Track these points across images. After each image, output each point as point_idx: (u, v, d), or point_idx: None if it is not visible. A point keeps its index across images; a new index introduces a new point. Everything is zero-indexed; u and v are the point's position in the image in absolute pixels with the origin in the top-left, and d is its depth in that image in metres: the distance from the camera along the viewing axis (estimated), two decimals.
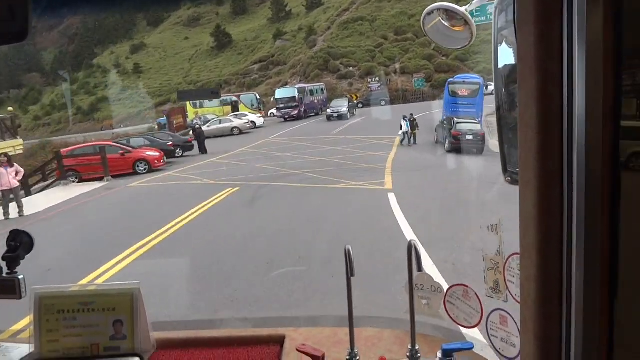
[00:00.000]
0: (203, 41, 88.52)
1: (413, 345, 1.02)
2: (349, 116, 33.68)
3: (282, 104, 38.63)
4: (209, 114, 38.92)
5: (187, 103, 42.82)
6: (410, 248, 0.98)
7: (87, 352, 1.15)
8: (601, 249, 0.59)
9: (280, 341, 1.22)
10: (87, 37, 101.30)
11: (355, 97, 50.22)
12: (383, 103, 47.47)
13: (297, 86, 40.73)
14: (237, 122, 32.78)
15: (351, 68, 55.72)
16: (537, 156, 0.62)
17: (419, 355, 1.01)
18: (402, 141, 20.65)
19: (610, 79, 0.55)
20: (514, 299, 0.96)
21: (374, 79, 51.75)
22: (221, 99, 43.42)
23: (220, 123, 32.76)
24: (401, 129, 20.67)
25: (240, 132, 32.45)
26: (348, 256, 0.97)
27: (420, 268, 0.98)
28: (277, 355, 1.16)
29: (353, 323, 1.03)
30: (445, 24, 1.02)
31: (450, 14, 1.01)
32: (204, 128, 33.05)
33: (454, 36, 1.05)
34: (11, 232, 1.20)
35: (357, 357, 1.04)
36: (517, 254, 0.91)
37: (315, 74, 55.78)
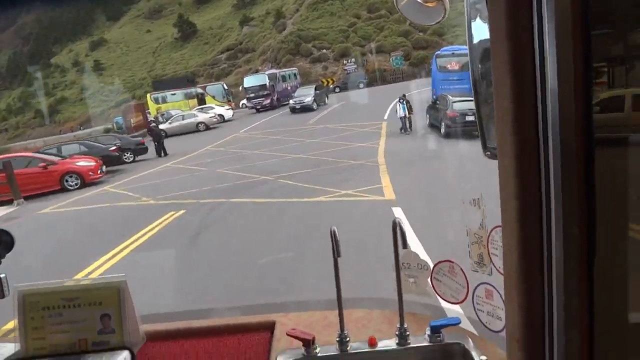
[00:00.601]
0: (167, 33, 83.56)
1: (402, 324, 1.01)
2: (314, 106, 29.20)
3: (252, 93, 34.90)
4: (173, 109, 35.03)
5: (148, 98, 38.69)
6: (395, 226, 0.95)
7: (75, 348, 1.10)
8: (579, 216, 0.59)
9: (270, 327, 1.19)
10: (43, 35, 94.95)
11: (331, 82, 46.76)
12: (361, 85, 44.10)
13: (267, 72, 36.86)
14: (202, 117, 29.00)
15: (324, 50, 52.06)
16: (513, 125, 0.62)
17: (407, 333, 1.01)
18: (401, 129, 17.35)
19: (580, 46, 0.56)
20: (498, 271, 0.94)
21: (349, 61, 48.23)
22: (186, 91, 39.41)
23: (183, 119, 28.91)
24: (397, 113, 17.29)
25: (207, 128, 28.72)
26: (334, 237, 0.94)
27: (405, 245, 0.94)
28: (267, 341, 1.14)
29: (342, 305, 1.01)
30: (419, 0, 0.98)
31: None
32: (165, 126, 29.25)
33: (427, 12, 1.01)
34: None
35: (347, 339, 1.03)
36: (499, 226, 0.88)
37: (286, 59, 51.99)
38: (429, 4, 0.98)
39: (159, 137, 19.56)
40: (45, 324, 1.12)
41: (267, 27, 62.66)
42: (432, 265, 1.14)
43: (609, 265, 0.62)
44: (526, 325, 0.67)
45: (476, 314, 1.04)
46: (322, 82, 47.37)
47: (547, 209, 0.62)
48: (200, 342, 1.19)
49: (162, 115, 32.55)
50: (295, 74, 40.40)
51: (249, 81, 35.43)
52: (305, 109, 28.88)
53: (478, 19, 0.89)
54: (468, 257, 1.04)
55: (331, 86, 45.85)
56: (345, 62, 48.39)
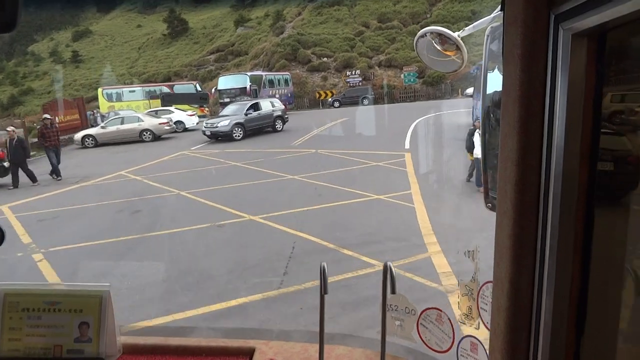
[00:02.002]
0: (157, 29, 76.10)
1: None
2: (237, 135, 18.93)
3: (227, 97, 27.10)
4: (129, 109, 27.00)
5: (99, 94, 30.58)
6: (386, 270, 0.94)
7: (49, 354, 1.08)
8: (571, 285, 0.59)
9: (249, 353, 1.17)
10: (26, 22, 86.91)
11: (329, 94, 39.08)
12: (366, 102, 36.36)
13: (250, 73, 28.87)
14: (149, 123, 20.89)
15: (325, 59, 44.49)
16: (515, 188, 0.62)
17: None
18: (469, 177, 9.37)
19: (589, 118, 0.57)
20: (485, 326, 0.93)
21: (353, 72, 40.62)
22: (149, 89, 31.36)
23: (122, 123, 20.79)
24: (471, 151, 9.24)
25: (155, 137, 20.67)
26: (323, 274, 0.93)
27: (393, 290, 0.93)
28: None
29: (324, 340, 1.00)
30: (438, 47, 0.97)
31: (442, 38, 0.97)
32: (95, 131, 21.07)
33: (445, 60, 1.00)
34: None
35: None
36: (490, 282, 0.88)
37: (281, 64, 44.32)
38: (448, 53, 0.96)
39: (18, 155, 11.37)
40: (23, 325, 1.09)
41: (264, 30, 55.24)
42: (419, 311, 1.09)
43: (598, 334, 0.60)
44: None
45: None
46: (318, 94, 39.77)
47: (539, 272, 0.61)
48: None
49: (103, 116, 24.46)
50: (287, 80, 32.61)
51: (225, 82, 27.59)
52: (220, 135, 18.80)
53: (495, 70, 0.89)
54: (457, 309, 0.98)
55: (329, 99, 38.19)
56: (348, 73, 40.77)
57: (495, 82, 0.89)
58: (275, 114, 21.23)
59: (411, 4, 49.27)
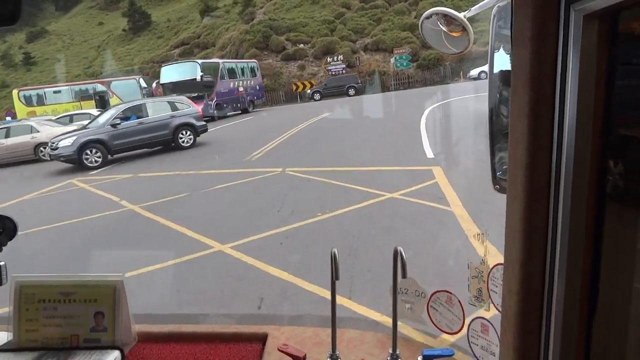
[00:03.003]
0: (119, 26, 69.08)
1: (394, 350, 0.99)
2: (92, 161, 11.80)
3: (173, 93, 20.71)
4: (54, 114, 20.62)
5: (15, 97, 24.03)
6: (396, 254, 0.93)
7: (66, 343, 1.09)
8: (583, 266, 0.60)
9: (262, 339, 1.18)
10: None
11: (308, 85, 32.94)
12: (352, 92, 30.27)
13: (201, 61, 22.28)
14: (47, 133, 14.53)
15: (302, 45, 38.27)
16: (526, 172, 0.62)
17: (399, 359, 0.99)
18: None
19: (601, 101, 0.57)
20: (496, 308, 0.94)
21: (335, 59, 34.49)
22: (80, 87, 24.88)
23: (7, 135, 14.45)
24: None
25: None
26: (334, 259, 0.92)
27: (404, 275, 0.92)
28: (258, 353, 1.12)
29: (335, 324, 1.00)
30: (443, 28, 0.98)
31: (448, 19, 0.98)
32: None
33: (451, 41, 1.01)
34: None
35: (339, 359, 1.01)
36: (501, 264, 0.87)
37: (251, 53, 38.02)
38: (454, 34, 0.96)
39: None
40: (39, 316, 1.11)
41: (233, 19, 48.83)
42: (429, 294, 1.09)
43: (609, 318, 0.61)
44: None
45: (470, 347, 1.01)
46: (295, 85, 33.58)
47: (551, 254, 0.61)
48: (191, 347, 1.15)
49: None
50: (253, 69, 26.22)
51: (169, 73, 21.24)
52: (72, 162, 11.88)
53: (501, 50, 0.87)
54: (466, 290, 0.99)
55: (308, 91, 32.00)
56: (329, 60, 34.62)
57: (501, 61, 0.87)
58: (178, 121, 13.09)
59: None
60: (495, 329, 0.97)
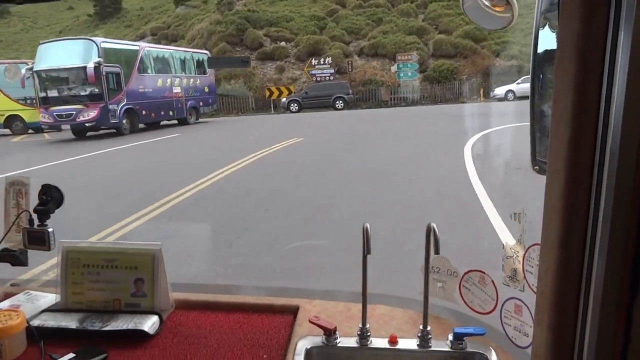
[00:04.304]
0: (89, 11, 61.19)
1: (425, 326, 0.99)
2: None
3: (52, 88, 12.96)
4: None
5: None
6: (429, 230, 0.93)
7: (109, 306, 1.15)
8: (625, 247, 0.57)
9: (294, 311, 1.19)
10: None
11: (285, 92, 25.52)
12: (340, 104, 22.97)
13: (101, 41, 13.84)
14: None
15: (284, 43, 30.88)
16: (568, 147, 0.59)
17: (429, 336, 0.99)
18: None
19: None
20: (531, 288, 0.92)
21: (322, 61, 27.14)
22: None
23: None
24: None
25: None
26: (365, 234, 0.92)
27: (437, 251, 0.93)
28: (290, 324, 1.13)
29: (366, 300, 1.00)
30: (486, 2, 0.96)
31: None
32: None
33: (494, 16, 0.99)
34: (43, 186, 1.20)
35: (369, 334, 1.01)
36: (537, 244, 0.87)
37: (220, 48, 30.54)
38: (497, 8, 0.95)
39: None
40: (84, 280, 1.16)
41: (210, 10, 41.41)
42: (462, 274, 1.09)
43: None
44: (554, 347, 0.65)
45: (503, 327, 1.00)
46: (268, 91, 26.09)
47: (592, 235, 0.59)
48: (225, 316, 1.18)
49: None
50: (201, 63, 18.20)
51: (47, 55, 13.10)
52: None
53: (547, 27, 0.87)
54: (500, 270, 0.99)
55: (283, 99, 24.56)
56: (314, 62, 27.24)
57: (546, 39, 0.85)
58: None
59: None
60: (529, 310, 0.94)
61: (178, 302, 1.22)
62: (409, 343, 1.02)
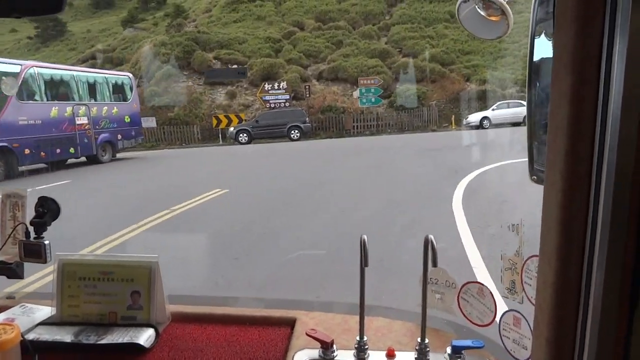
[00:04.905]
0: (32, 33, 56.91)
1: (423, 339, 0.97)
2: None
3: None
4: None
5: None
6: (427, 243, 0.91)
7: (104, 319, 1.14)
8: (624, 258, 0.57)
9: (291, 324, 1.17)
10: None
11: (235, 121, 22.44)
12: (296, 134, 20.10)
13: None
14: None
15: (235, 66, 27.91)
16: (566, 159, 0.59)
17: (428, 349, 0.97)
18: None
19: None
20: (530, 301, 0.91)
21: (276, 86, 24.29)
22: None
23: None
24: None
25: None
26: (363, 246, 0.91)
27: (435, 264, 0.91)
28: (287, 337, 1.12)
29: (364, 312, 0.99)
30: (481, 12, 0.96)
31: (486, 3, 0.96)
32: None
33: (490, 25, 0.99)
34: (39, 198, 1.20)
35: (366, 347, 0.99)
36: (536, 256, 0.86)
37: (165, 72, 27.38)
38: (492, 18, 0.95)
39: None
40: (80, 293, 1.15)
41: (160, 32, 38.25)
42: (460, 285, 1.08)
43: None
44: None
45: (501, 339, 0.98)
46: (216, 120, 22.91)
47: (590, 246, 0.58)
48: (222, 329, 1.16)
49: None
50: (121, 87, 14.60)
51: None
52: None
53: (543, 35, 0.87)
54: (499, 282, 0.98)
55: (231, 129, 21.49)
56: (267, 87, 24.33)
57: (542, 48, 0.86)
58: None
59: (363, 1, 34.37)
60: (528, 323, 0.93)
61: (174, 315, 1.21)
62: (406, 356, 1.01)
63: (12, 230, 1.24)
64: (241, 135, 20.52)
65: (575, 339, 0.61)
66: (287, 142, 19.83)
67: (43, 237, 1.20)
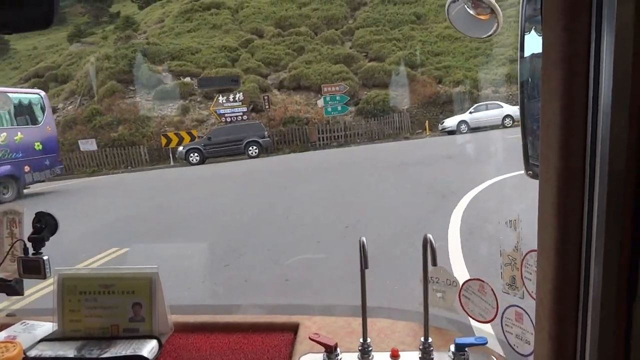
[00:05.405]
0: None
1: (426, 338, 0.97)
2: None
3: None
4: None
5: None
6: (426, 242, 0.91)
7: (107, 333, 1.13)
8: (620, 250, 0.57)
9: (294, 329, 1.17)
10: None
11: (186, 138, 19.97)
12: (253, 150, 17.78)
13: None
14: None
15: (188, 79, 25.49)
16: (559, 153, 0.59)
17: (431, 348, 0.97)
18: None
19: (639, 76, 0.54)
20: (531, 295, 0.92)
21: (232, 98, 21.95)
22: None
23: None
24: None
25: None
26: (362, 248, 0.91)
27: (434, 263, 0.91)
28: (290, 342, 1.12)
29: (366, 314, 0.98)
30: (471, 12, 0.96)
31: (475, 2, 0.96)
32: None
33: (479, 25, 0.99)
34: (37, 214, 1.20)
35: (370, 348, 0.98)
36: (534, 250, 0.87)
37: (108, 88, 24.70)
38: (481, 17, 0.95)
39: None
40: (81, 307, 1.15)
41: (110, 46, 35.36)
42: (461, 282, 1.08)
43: None
44: (556, 355, 0.64)
45: (504, 335, 0.98)
46: (165, 139, 20.36)
47: (587, 239, 0.59)
48: (225, 337, 1.16)
49: None
50: (26, 106, 12.11)
51: None
52: None
53: (533, 31, 0.87)
54: (500, 278, 0.99)
55: (180, 148, 19.07)
56: (222, 99, 21.93)
57: (533, 43, 0.87)
58: None
59: (324, 6, 32.51)
60: (530, 317, 0.95)
61: (177, 325, 1.21)
62: (410, 356, 1.01)
63: (10, 247, 1.24)
64: (192, 154, 18.04)
65: (577, 332, 0.61)
66: (244, 160, 17.48)
67: (42, 253, 1.20)
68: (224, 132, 18.68)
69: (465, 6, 0.95)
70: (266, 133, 18.73)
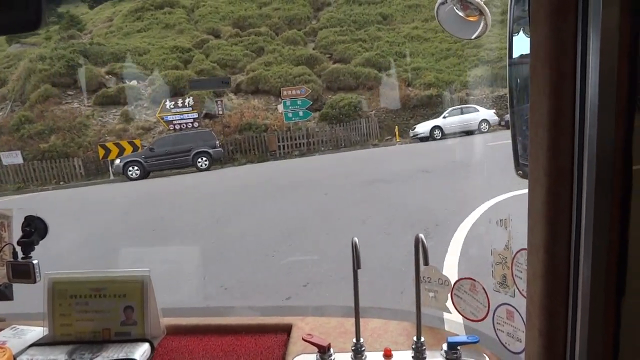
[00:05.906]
0: None
1: (418, 338, 0.98)
2: None
3: None
4: None
5: None
6: (418, 242, 0.91)
7: (98, 337, 1.12)
8: (609, 248, 0.58)
9: (287, 330, 1.17)
10: None
11: (128, 149, 17.52)
12: (203, 162, 15.43)
13: None
14: None
15: (134, 82, 22.91)
16: (548, 154, 0.60)
17: (424, 347, 0.98)
18: None
19: (625, 76, 0.55)
20: (521, 294, 0.93)
21: (182, 103, 19.62)
22: None
23: None
24: None
25: None
26: (354, 249, 0.92)
27: (426, 262, 0.91)
28: (284, 343, 1.12)
29: (359, 314, 0.99)
30: (460, 13, 0.97)
31: (464, 4, 0.97)
32: None
33: (468, 26, 0.99)
34: (26, 217, 1.18)
35: (363, 348, 0.99)
36: (524, 249, 0.87)
37: (42, 92, 21.84)
38: (471, 18, 0.95)
39: None
40: (72, 311, 1.13)
41: (50, 46, 32.21)
42: (453, 282, 1.08)
43: (637, 300, 0.60)
44: (546, 352, 0.65)
45: (496, 333, 0.99)
46: (103, 149, 17.82)
47: (576, 237, 0.60)
48: (218, 339, 1.15)
49: None
50: None
51: None
52: None
53: (521, 33, 0.88)
54: (491, 277, 0.98)
55: (117, 161, 16.58)
56: (169, 105, 19.56)
57: (521, 45, 0.88)
58: None
59: (286, 5, 30.55)
60: (521, 315, 0.94)
61: (169, 328, 1.19)
62: (403, 355, 1.01)
63: None
64: (131, 168, 15.63)
65: (567, 329, 0.62)
66: (193, 174, 15.21)
67: (31, 257, 1.17)
68: (169, 142, 16.37)
69: (454, 8, 0.94)
70: (217, 142, 16.53)
